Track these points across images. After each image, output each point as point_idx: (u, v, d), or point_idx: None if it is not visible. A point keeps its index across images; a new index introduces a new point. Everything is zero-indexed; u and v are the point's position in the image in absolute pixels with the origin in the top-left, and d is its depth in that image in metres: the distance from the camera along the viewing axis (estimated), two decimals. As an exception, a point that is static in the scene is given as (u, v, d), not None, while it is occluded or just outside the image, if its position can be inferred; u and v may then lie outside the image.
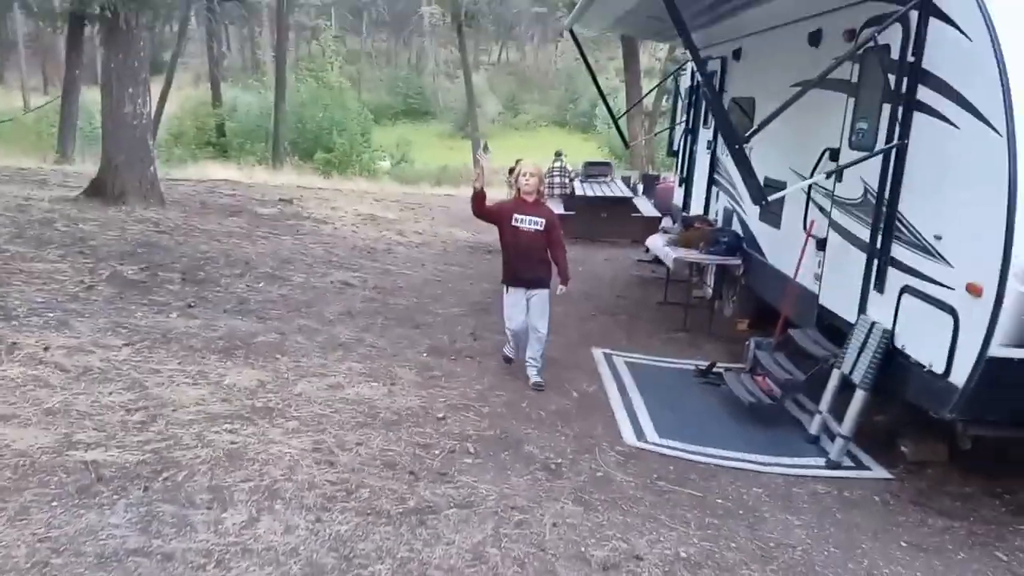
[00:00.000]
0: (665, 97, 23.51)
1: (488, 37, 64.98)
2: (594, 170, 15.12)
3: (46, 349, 4.85)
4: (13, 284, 6.22)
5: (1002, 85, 3.78)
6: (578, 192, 12.84)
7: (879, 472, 4.70)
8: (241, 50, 60.39)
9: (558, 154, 13.67)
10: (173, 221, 9.63)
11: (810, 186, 5.80)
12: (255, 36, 57.26)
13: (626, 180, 15.26)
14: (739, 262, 7.38)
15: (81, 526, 3.03)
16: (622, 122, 14.97)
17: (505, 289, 5.46)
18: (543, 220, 5.32)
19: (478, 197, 5.23)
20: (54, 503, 3.18)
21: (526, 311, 5.37)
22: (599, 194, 12.89)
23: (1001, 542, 3.95)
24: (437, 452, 4.15)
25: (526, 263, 5.34)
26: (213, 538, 3.07)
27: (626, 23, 10.79)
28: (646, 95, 18.62)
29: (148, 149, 10.56)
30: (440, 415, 4.65)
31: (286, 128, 24.99)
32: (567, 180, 13.22)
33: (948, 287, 4.09)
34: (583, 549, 3.36)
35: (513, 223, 5.28)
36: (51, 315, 5.57)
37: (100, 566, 2.81)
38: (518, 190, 5.37)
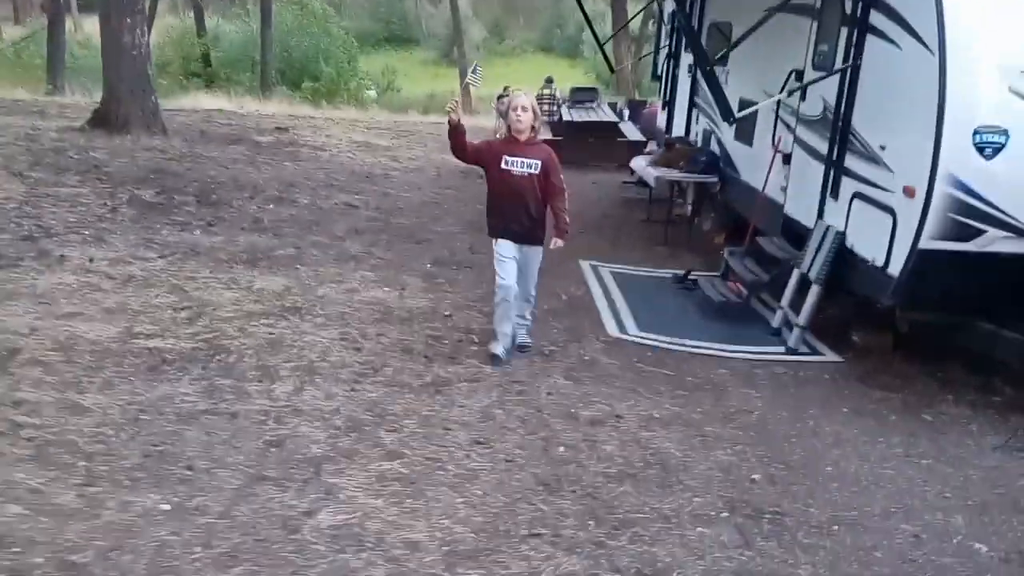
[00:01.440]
0: (651, 21, 23.57)
1: (471, -40, 63.47)
2: (581, 96, 15.48)
3: (91, 260, 5.41)
4: (44, 207, 6.72)
5: (936, 7, 4.29)
6: (565, 117, 13.25)
7: (831, 356, 5.39)
8: (218, -25, 58.82)
9: (549, 80, 14.03)
10: (178, 149, 10.03)
11: (778, 105, 6.33)
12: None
13: (612, 106, 15.63)
14: (716, 179, 7.95)
15: (158, 394, 3.67)
16: (608, 47, 15.27)
17: (494, 242, 4.59)
18: (538, 162, 4.42)
19: (455, 132, 4.37)
20: (131, 378, 3.80)
21: (516, 266, 4.56)
22: (586, 119, 13.30)
23: (928, 408, 4.66)
24: (446, 341, 4.79)
25: (517, 213, 4.47)
26: (267, 403, 3.71)
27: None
28: (631, 19, 18.73)
29: (149, 79, 10.86)
30: (447, 313, 5.27)
31: (273, 57, 24.91)
32: (555, 107, 13.63)
33: (889, 191, 4.70)
34: (573, 411, 4.03)
35: (503, 166, 4.41)
36: (86, 232, 6.11)
37: (180, 422, 3.45)
38: (508, 128, 4.49)
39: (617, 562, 2.84)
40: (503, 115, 4.49)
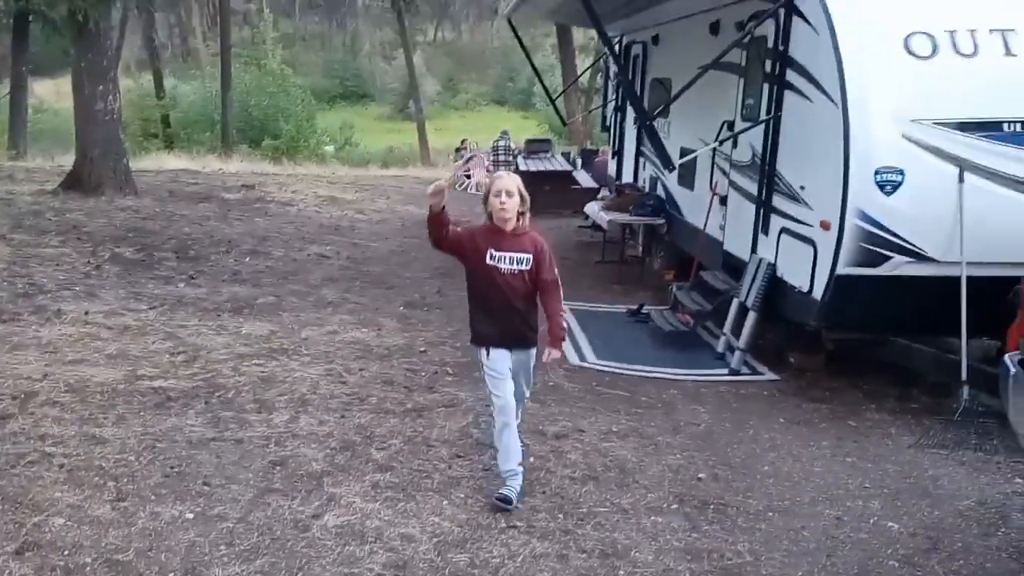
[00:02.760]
0: (599, 74, 24.72)
1: (423, 17, 65.12)
2: (535, 147, 16.26)
3: (86, 313, 5.80)
4: (32, 266, 7.09)
5: (838, 67, 5.01)
6: (521, 168, 13.95)
7: (769, 376, 5.98)
8: (169, 37, 59.44)
9: (504, 133, 14.77)
10: (151, 208, 10.44)
11: (714, 153, 7.03)
12: (182, 22, 56.39)
13: (566, 155, 16.44)
14: (662, 221, 8.62)
15: (168, 425, 4.08)
16: (561, 100, 16.14)
17: (483, 354, 3.79)
18: (529, 256, 3.69)
19: (437, 219, 3.60)
20: (141, 413, 4.21)
21: (511, 378, 3.80)
22: (541, 169, 14.03)
23: (854, 416, 5.25)
24: (423, 373, 5.27)
25: (509, 317, 3.72)
26: (268, 429, 4.15)
27: (559, 14, 11.90)
28: (581, 75, 19.76)
29: (120, 142, 11.34)
30: (422, 349, 5.76)
31: (232, 116, 25.45)
32: (511, 157, 14.35)
33: (809, 225, 5.36)
34: (541, 428, 4.53)
35: (488, 262, 3.67)
36: (77, 288, 6.49)
37: (192, 447, 3.87)
38: (490, 215, 3.70)
39: (583, 545, 3.33)
40: (484, 201, 3.66)
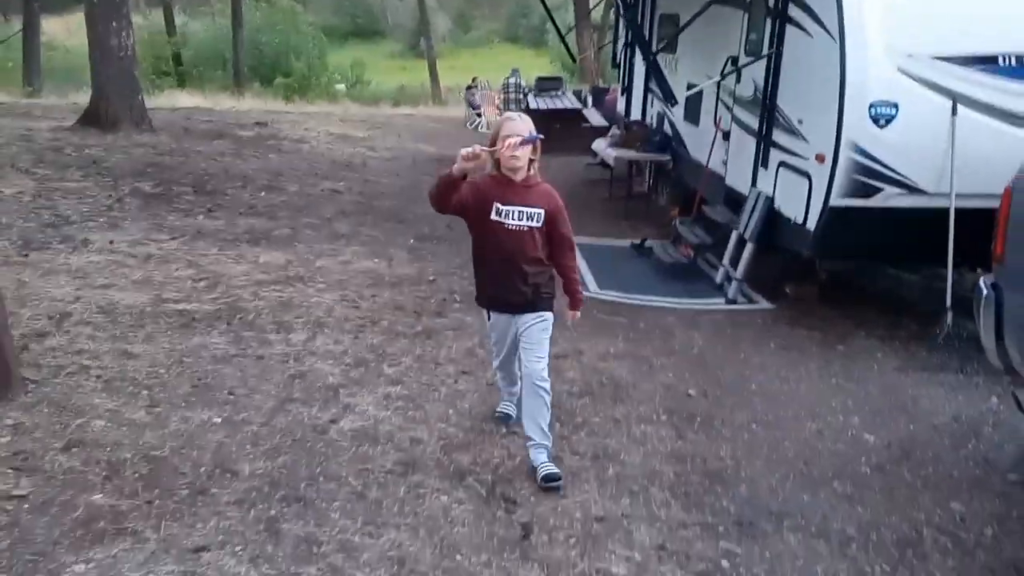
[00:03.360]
0: (612, 10, 24.33)
1: (435, -49, 63.62)
2: (546, 84, 16.22)
3: (111, 243, 6.07)
4: (56, 199, 7.34)
5: (838, 3, 5.10)
6: (532, 106, 13.99)
7: (765, 305, 6.22)
8: (181, -27, 58.53)
9: (514, 71, 14.76)
10: (167, 144, 10.63)
11: (718, 88, 7.13)
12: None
13: (577, 93, 16.40)
14: (668, 158, 8.75)
15: (193, 343, 4.38)
16: (572, 35, 16.02)
17: (486, 315, 3.58)
18: (541, 211, 3.28)
19: (452, 185, 3.15)
20: (168, 332, 4.50)
21: (515, 347, 3.51)
22: (551, 107, 14.06)
23: (842, 342, 5.49)
24: (432, 300, 5.53)
25: (513, 278, 3.32)
26: (286, 347, 4.44)
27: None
28: (592, 8, 19.50)
29: (135, 79, 11.45)
30: (431, 278, 6.02)
31: (244, 54, 25.37)
32: (522, 95, 14.37)
33: (805, 158, 5.51)
34: (542, 349, 4.79)
35: (494, 217, 3.26)
36: (101, 220, 6.75)
37: (217, 362, 4.17)
38: (497, 163, 3.25)
39: (576, 448, 3.63)
40: (491, 143, 3.18)
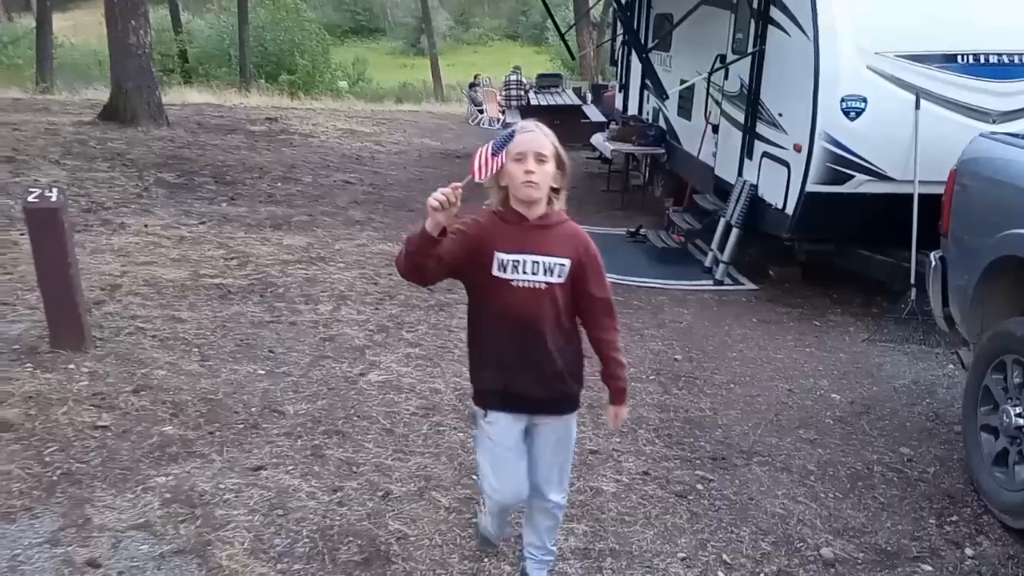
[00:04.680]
0: (611, 8, 24.84)
1: (436, -50, 63.98)
2: (546, 81, 16.77)
3: (146, 226, 6.58)
4: (88, 188, 7.85)
5: (812, 4, 5.61)
6: (533, 102, 14.51)
7: (749, 286, 6.73)
8: (183, -29, 58.90)
9: (516, 68, 15.27)
10: (184, 138, 11.14)
11: (708, 84, 7.64)
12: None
13: (577, 90, 16.93)
14: (663, 151, 9.26)
15: (232, 311, 4.89)
16: (572, 33, 16.53)
17: (481, 415, 2.43)
18: (564, 261, 2.33)
19: (426, 244, 2.19)
20: (209, 302, 5.02)
21: (526, 460, 2.43)
22: (552, 103, 14.57)
23: (819, 318, 6.01)
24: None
25: (528, 357, 2.33)
26: (315, 316, 4.96)
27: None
28: (591, 7, 19.99)
29: (152, 76, 11.96)
30: (441, 259, 6.52)
31: (249, 51, 25.85)
32: (523, 92, 14.88)
33: (784, 148, 6.03)
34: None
35: (496, 273, 2.29)
36: (133, 206, 7.26)
37: (255, 327, 4.69)
38: (505, 194, 2.31)
39: (575, 399, 4.14)
40: (497, 172, 2.25)
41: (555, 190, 2.30)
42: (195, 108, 15.80)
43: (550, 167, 2.25)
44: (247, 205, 7.79)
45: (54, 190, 3.72)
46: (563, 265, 2.28)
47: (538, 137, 2.25)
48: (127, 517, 2.81)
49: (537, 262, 2.26)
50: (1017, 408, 3.31)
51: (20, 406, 3.42)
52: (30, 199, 3.63)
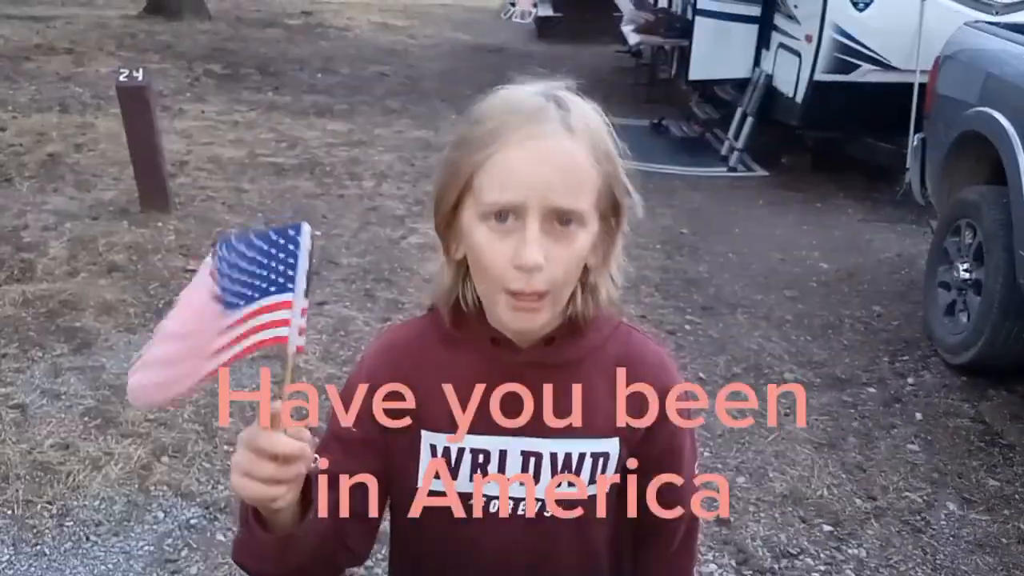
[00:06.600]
0: None
1: None
2: (579, -27, 16.61)
3: (203, 112, 7.18)
4: (144, 77, 8.41)
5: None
6: (565, -5, 14.53)
7: (761, 172, 7.19)
8: None
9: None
10: (226, 32, 11.58)
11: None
12: None
13: (609, -18, 16.78)
14: (688, 42, 9.50)
15: (287, 185, 5.54)
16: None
17: None
18: (608, 446, 1.00)
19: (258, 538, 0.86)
20: (265, 177, 5.66)
21: None
22: (584, -5, 14.56)
23: (822, 201, 6.47)
24: (474, 161, 6.59)
25: None
26: (359, 191, 5.59)
27: None
28: None
29: (193, -31, 12.30)
30: (472, 144, 7.05)
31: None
32: (555, -16, 14.85)
33: (797, 38, 6.36)
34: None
35: (437, 487, 0.98)
36: (187, 95, 7.84)
37: (308, 198, 5.34)
38: (463, 271, 0.97)
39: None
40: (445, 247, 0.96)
41: (586, 281, 1.00)
42: (232, 2, 16.10)
43: (585, 235, 0.95)
44: (291, 94, 8.31)
45: (140, 70, 4.29)
46: (605, 455, 1.02)
47: (561, 150, 0.91)
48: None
49: (539, 455, 1.00)
50: (965, 264, 3.85)
51: (124, 253, 4.14)
52: (121, 79, 4.21)
